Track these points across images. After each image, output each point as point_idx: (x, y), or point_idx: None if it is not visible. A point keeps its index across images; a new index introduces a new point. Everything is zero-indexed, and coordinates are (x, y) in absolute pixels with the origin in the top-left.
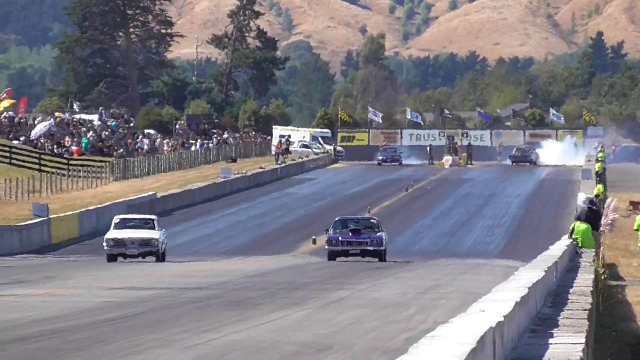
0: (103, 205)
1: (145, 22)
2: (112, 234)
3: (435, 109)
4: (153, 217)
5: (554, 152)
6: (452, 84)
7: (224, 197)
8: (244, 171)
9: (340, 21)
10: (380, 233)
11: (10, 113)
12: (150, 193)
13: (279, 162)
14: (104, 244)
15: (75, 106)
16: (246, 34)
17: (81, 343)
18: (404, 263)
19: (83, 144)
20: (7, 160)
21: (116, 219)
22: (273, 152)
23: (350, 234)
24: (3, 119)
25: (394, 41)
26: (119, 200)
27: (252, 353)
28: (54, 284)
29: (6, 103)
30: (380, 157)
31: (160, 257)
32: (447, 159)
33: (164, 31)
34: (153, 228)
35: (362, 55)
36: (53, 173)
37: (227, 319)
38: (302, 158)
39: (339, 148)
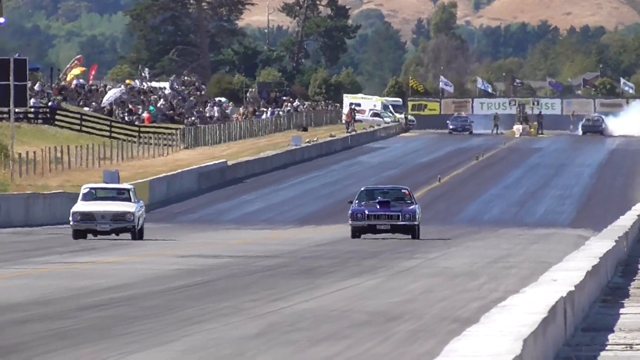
0: (174, 172)
1: None
2: (80, 206)
3: (506, 79)
4: (129, 186)
5: (629, 122)
6: (523, 54)
7: (295, 165)
8: (314, 139)
9: None
10: (413, 206)
11: (81, 80)
12: (221, 161)
13: (349, 130)
14: (70, 218)
15: (146, 74)
16: (317, 2)
17: (151, 310)
18: (463, 234)
19: (150, 112)
20: (78, 128)
21: (84, 188)
22: (343, 121)
23: (378, 207)
24: (74, 87)
25: (465, 10)
26: (189, 168)
27: (322, 322)
28: (124, 251)
29: (77, 70)
30: (451, 126)
31: (137, 235)
32: (518, 128)
33: None
34: (129, 200)
35: (433, 24)
36: (124, 140)
37: (297, 288)
38: (372, 127)
39: (410, 117)
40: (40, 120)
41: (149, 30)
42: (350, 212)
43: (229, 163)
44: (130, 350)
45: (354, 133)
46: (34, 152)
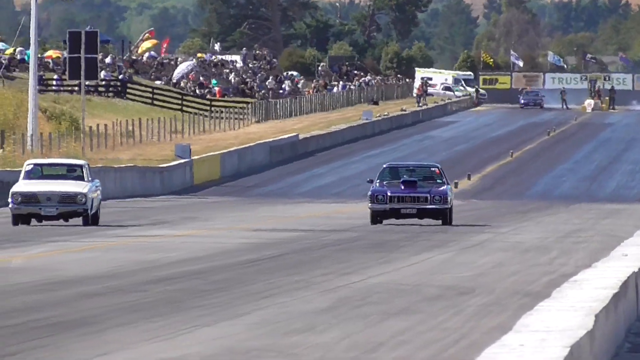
0: (245, 146)
1: None
2: (21, 186)
3: (578, 53)
4: (81, 162)
5: None
6: (594, 28)
7: (366, 139)
8: (385, 113)
9: None
10: (444, 186)
11: (153, 53)
12: (292, 134)
13: (420, 104)
14: (9, 199)
15: (217, 47)
16: None
17: (222, 284)
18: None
19: (213, 85)
20: (149, 101)
21: (28, 164)
22: (414, 94)
23: (403, 187)
24: (146, 60)
25: None
26: (260, 142)
27: (394, 296)
28: (195, 225)
29: (149, 43)
30: (522, 101)
31: (90, 219)
32: (589, 103)
33: None
34: (81, 178)
35: None
36: (195, 114)
37: (369, 262)
38: (444, 100)
39: (481, 91)
40: (111, 93)
41: (220, 3)
42: (369, 193)
43: (300, 137)
44: (202, 323)
45: (425, 107)
46: (105, 125)
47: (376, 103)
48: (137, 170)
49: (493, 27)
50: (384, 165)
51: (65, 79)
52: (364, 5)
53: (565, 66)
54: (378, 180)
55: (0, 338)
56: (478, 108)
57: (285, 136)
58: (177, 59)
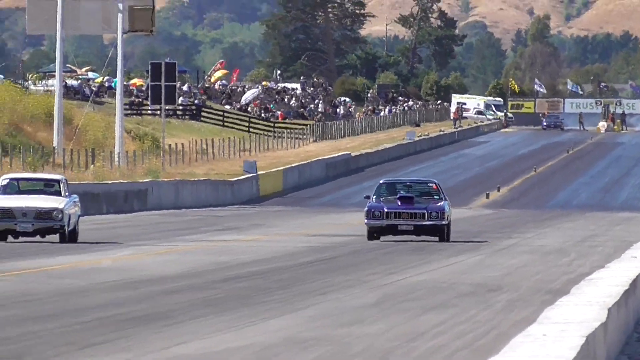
0: (304, 162)
1: (342, 3)
2: None
3: (593, 81)
4: (59, 177)
5: None
6: (607, 60)
7: (409, 156)
8: (426, 134)
9: (510, 4)
10: (442, 202)
11: (224, 82)
12: (345, 152)
13: (456, 126)
14: None
15: (279, 76)
16: (429, 15)
17: (283, 283)
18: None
19: (271, 108)
20: (221, 123)
21: (4, 179)
22: (451, 118)
23: (400, 203)
24: (218, 87)
25: (558, 22)
26: (317, 159)
27: (432, 293)
28: (260, 231)
29: (220, 73)
30: (545, 123)
31: (67, 236)
32: (603, 125)
33: (357, 11)
34: (58, 194)
35: (529, 33)
36: (260, 134)
37: (411, 263)
38: (476, 123)
39: (509, 114)
40: (187, 116)
41: (282, 38)
42: (366, 209)
43: (352, 154)
44: (267, 316)
45: (460, 129)
46: (182, 144)
47: (418, 125)
48: (210, 183)
49: (519, 58)
50: (381, 181)
51: (147, 105)
52: (407, 40)
53: (582, 93)
54: (375, 196)
55: (90, 329)
56: (506, 129)
57: (339, 154)
58: (244, 86)
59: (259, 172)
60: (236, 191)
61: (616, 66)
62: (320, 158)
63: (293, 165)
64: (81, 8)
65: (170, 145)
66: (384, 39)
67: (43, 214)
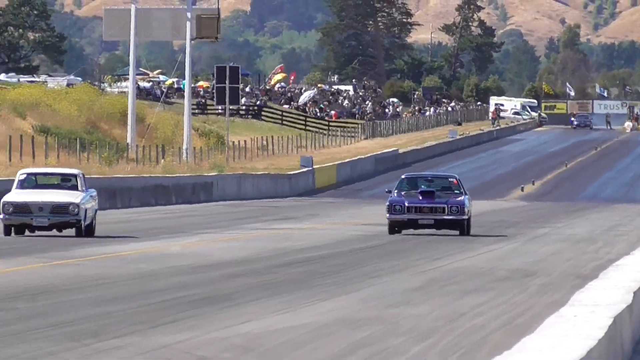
0: (356, 158)
1: (390, 13)
2: (13, 195)
3: (619, 85)
4: (75, 171)
5: None
6: (632, 65)
7: (451, 152)
8: (467, 132)
9: (544, 14)
10: (462, 197)
11: (283, 84)
12: (394, 149)
13: (494, 125)
14: (1, 209)
15: (334, 79)
16: (470, 24)
17: (337, 267)
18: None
19: (321, 107)
20: (280, 122)
21: (21, 174)
22: (490, 117)
23: (421, 197)
24: (277, 89)
25: (587, 30)
26: (368, 155)
27: (472, 277)
28: (316, 220)
29: (279, 76)
30: (575, 123)
31: (84, 230)
32: (628, 125)
33: (405, 20)
34: (75, 188)
35: (561, 41)
36: (316, 132)
37: (453, 250)
38: (513, 122)
39: (542, 115)
40: (249, 116)
41: (336, 44)
42: (387, 203)
43: (400, 151)
44: (322, 298)
45: (498, 127)
46: (244, 141)
47: (459, 124)
48: (270, 176)
49: (552, 64)
50: (402, 176)
51: (213, 105)
52: (450, 46)
53: (609, 95)
54: (396, 191)
55: (160, 309)
56: (540, 128)
57: (388, 150)
58: (301, 88)
59: (314, 167)
60: (293, 184)
61: None
62: (370, 154)
63: (345, 160)
64: (153, 16)
65: (233, 142)
66: (429, 45)
67: (59, 209)
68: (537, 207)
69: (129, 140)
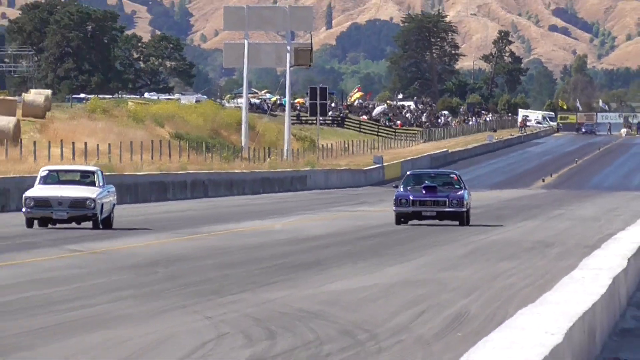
0: (416, 156)
1: (442, 46)
2: (35, 190)
3: (617, 101)
4: (94, 168)
5: None
6: (628, 86)
7: (488, 152)
8: (501, 137)
9: (560, 47)
10: (462, 191)
11: (360, 101)
12: (445, 150)
13: (521, 132)
14: (23, 204)
15: (399, 97)
16: (503, 54)
17: (400, 241)
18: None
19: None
20: (358, 129)
21: (43, 170)
22: (518, 126)
23: (424, 192)
24: (356, 104)
25: (592, 59)
26: (425, 154)
27: (505, 247)
28: (385, 204)
29: (357, 95)
30: (583, 130)
31: (100, 223)
32: (623, 131)
33: (453, 52)
34: (92, 184)
35: (573, 67)
36: (385, 137)
37: (490, 228)
38: (536, 129)
39: (559, 124)
40: (335, 125)
41: (401, 70)
42: (394, 197)
43: (450, 151)
44: (388, 264)
45: (524, 134)
46: (331, 144)
47: (495, 131)
48: (350, 171)
49: (566, 85)
50: (408, 173)
51: (307, 116)
52: (488, 72)
53: (609, 109)
54: (402, 186)
55: (266, 273)
56: (557, 134)
57: (440, 151)
58: (374, 104)
59: (384, 164)
60: (368, 176)
61: (633, 90)
62: (427, 154)
63: (408, 158)
64: (261, 48)
65: (322, 144)
66: (472, 71)
67: (77, 203)
68: (554, 194)
69: (242, 143)
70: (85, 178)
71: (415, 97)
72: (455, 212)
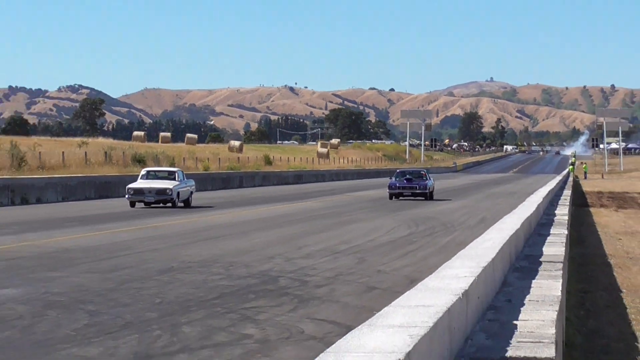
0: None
1: None
2: (135, 184)
3: (541, 144)
4: (175, 169)
5: None
6: (548, 135)
7: (496, 159)
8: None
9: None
10: (427, 181)
11: None
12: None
13: (505, 152)
14: (126, 192)
15: None
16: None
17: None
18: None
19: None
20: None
21: (144, 170)
22: (503, 151)
23: (405, 182)
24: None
25: (531, 127)
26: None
27: (499, 195)
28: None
29: None
30: (527, 152)
31: (176, 204)
32: (541, 153)
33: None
34: (173, 179)
35: (524, 129)
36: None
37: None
38: (511, 152)
39: (519, 150)
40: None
41: None
42: (388, 184)
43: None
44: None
45: (506, 153)
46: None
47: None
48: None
49: (520, 136)
50: (397, 170)
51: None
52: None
53: (536, 144)
54: (393, 178)
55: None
56: (518, 154)
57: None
58: None
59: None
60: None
61: (548, 139)
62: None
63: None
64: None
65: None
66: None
67: (160, 191)
68: (514, 175)
69: None
70: (171, 175)
71: None
72: (422, 192)
